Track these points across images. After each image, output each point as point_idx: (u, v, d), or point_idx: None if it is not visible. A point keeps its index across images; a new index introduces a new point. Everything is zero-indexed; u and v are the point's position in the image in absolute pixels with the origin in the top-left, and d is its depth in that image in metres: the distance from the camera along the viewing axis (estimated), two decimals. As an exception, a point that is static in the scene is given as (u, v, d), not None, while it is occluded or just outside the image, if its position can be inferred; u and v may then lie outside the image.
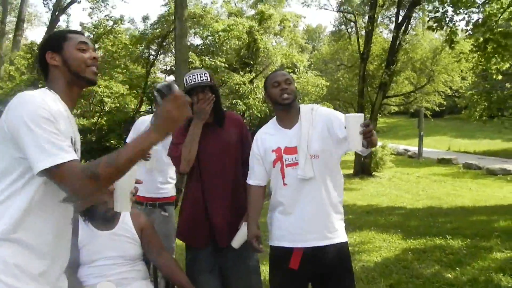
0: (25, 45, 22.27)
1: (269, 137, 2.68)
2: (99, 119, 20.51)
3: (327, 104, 23.52)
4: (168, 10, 21.63)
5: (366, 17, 17.08)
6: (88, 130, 19.32)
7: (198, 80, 2.80)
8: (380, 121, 30.32)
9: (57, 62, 1.77)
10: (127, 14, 67.87)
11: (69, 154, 1.55)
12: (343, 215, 2.69)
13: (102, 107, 20.60)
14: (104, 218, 2.66)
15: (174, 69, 15.30)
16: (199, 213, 2.89)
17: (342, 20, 22.13)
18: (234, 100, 21.10)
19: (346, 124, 2.26)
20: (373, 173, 16.60)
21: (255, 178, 2.73)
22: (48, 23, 20.79)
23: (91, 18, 20.87)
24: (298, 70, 22.39)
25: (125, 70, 20.41)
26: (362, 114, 2.32)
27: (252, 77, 20.92)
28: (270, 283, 2.74)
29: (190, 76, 2.84)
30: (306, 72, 22.74)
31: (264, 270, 3.64)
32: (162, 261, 2.83)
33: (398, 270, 5.00)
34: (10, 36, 21.80)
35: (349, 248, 5.50)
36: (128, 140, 4.19)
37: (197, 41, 23.15)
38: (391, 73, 16.10)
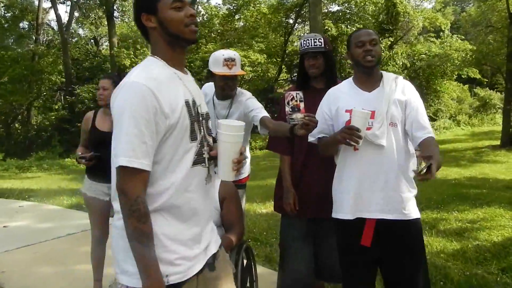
0: None
1: (343, 96, 2.45)
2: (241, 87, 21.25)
3: (473, 70, 22.15)
4: (304, -23, 21.69)
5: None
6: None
7: (311, 45, 2.80)
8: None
9: (153, 23, 1.65)
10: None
11: None
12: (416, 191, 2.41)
13: (242, 76, 21.31)
14: None
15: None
16: (295, 184, 2.87)
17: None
18: (372, 67, 20.73)
19: (352, 118, 2.20)
20: (524, 145, 15.14)
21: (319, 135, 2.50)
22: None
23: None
24: (443, 34, 21.28)
25: (264, 39, 20.88)
26: (370, 112, 2.20)
27: (390, 42, 20.30)
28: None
29: (305, 41, 2.84)
30: (451, 36, 21.52)
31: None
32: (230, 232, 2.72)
33: (518, 253, 4.31)
34: None
35: (468, 224, 5.13)
36: None
37: (334, 8, 22.95)
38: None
